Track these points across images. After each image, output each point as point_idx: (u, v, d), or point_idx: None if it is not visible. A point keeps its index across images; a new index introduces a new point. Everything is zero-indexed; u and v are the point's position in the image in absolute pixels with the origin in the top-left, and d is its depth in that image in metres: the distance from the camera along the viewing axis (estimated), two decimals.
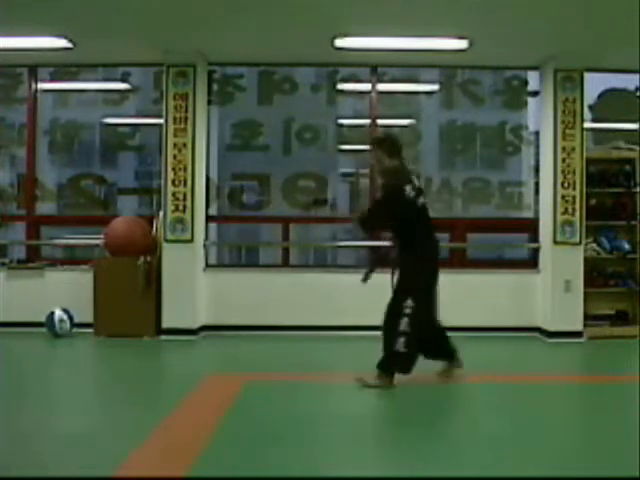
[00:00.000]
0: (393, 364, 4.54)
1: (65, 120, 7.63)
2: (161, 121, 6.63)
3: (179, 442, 3.47)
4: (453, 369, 4.82)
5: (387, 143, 4.75)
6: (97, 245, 6.93)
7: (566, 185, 6.53)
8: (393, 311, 4.55)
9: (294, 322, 6.60)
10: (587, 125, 6.81)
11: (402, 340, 4.47)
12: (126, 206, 8.19)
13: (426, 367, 4.74)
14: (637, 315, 6.66)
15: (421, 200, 4.65)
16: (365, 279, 4.73)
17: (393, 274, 4.68)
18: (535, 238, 6.98)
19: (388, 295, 6.61)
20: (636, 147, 6.79)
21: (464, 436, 3.61)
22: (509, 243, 8.26)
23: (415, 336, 4.51)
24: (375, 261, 4.76)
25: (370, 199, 7.10)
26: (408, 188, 4.55)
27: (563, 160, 6.53)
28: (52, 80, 7.40)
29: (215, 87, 7.18)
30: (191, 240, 6.56)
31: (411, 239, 4.64)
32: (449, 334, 4.84)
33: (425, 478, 2.98)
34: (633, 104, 7.30)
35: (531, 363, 5.74)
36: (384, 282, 6.66)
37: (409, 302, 4.50)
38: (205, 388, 4.63)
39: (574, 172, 6.52)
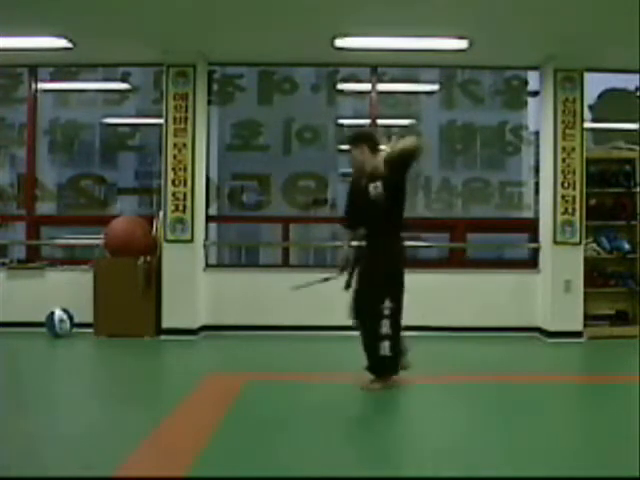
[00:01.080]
0: (384, 369, 4.51)
1: (65, 120, 7.63)
2: (161, 121, 6.63)
3: (179, 442, 3.47)
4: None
5: (373, 138, 4.70)
6: (97, 245, 6.94)
7: (566, 185, 6.53)
8: (373, 313, 4.44)
9: (294, 322, 6.60)
10: (587, 125, 6.81)
11: (387, 344, 4.42)
12: (126, 206, 8.18)
13: (419, 367, 4.75)
14: (637, 315, 6.66)
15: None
16: (348, 286, 4.63)
17: (352, 273, 4.62)
18: (535, 238, 6.98)
19: None
20: (636, 147, 6.79)
21: (464, 436, 3.61)
22: (509, 243, 8.25)
23: (398, 337, 4.48)
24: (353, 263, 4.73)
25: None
26: None
27: (563, 160, 6.53)
28: (52, 80, 7.40)
29: (215, 87, 7.18)
30: (191, 240, 6.56)
31: (392, 235, 4.59)
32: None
33: (425, 478, 2.98)
34: (633, 104, 7.30)
35: (531, 363, 5.74)
36: None
37: (387, 303, 4.42)
38: (205, 388, 4.63)
39: (574, 172, 6.52)
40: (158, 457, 3.27)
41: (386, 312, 4.41)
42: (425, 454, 3.35)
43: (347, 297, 6.57)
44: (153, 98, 7.13)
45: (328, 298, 6.63)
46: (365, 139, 4.66)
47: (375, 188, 4.47)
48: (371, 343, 4.47)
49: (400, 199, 4.55)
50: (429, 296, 6.69)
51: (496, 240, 7.90)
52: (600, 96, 7.72)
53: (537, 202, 7.06)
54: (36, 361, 5.52)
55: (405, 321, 6.55)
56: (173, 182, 6.52)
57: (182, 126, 6.52)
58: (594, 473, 3.03)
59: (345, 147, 8.35)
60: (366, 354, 4.53)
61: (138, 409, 4.11)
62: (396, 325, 4.45)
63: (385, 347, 4.42)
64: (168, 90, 6.56)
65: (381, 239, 4.55)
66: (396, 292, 4.47)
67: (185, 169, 6.51)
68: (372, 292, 4.47)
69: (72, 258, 8.03)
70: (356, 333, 6.40)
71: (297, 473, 3.03)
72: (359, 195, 4.60)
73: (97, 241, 6.85)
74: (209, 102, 6.94)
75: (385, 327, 4.41)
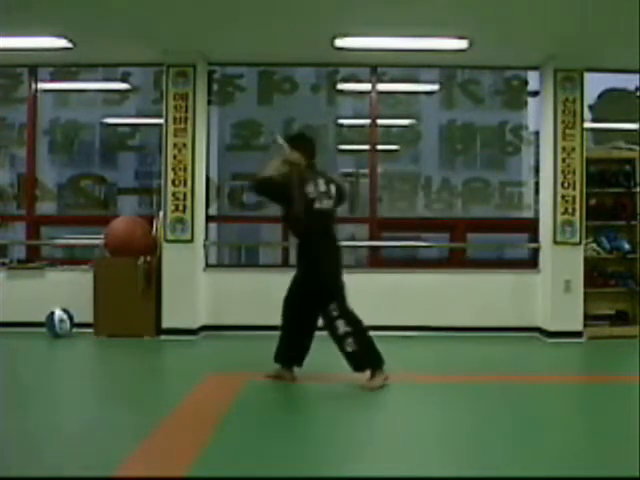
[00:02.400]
0: (360, 363, 4.55)
1: (65, 120, 7.63)
2: (161, 121, 6.63)
3: (179, 442, 3.47)
4: (287, 376, 4.77)
5: (304, 143, 4.78)
6: (97, 245, 6.94)
7: (566, 185, 6.53)
8: (325, 319, 4.59)
9: None
10: (587, 125, 6.81)
11: (349, 341, 4.50)
12: (126, 206, 8.18)
13: (420, 367, 4.74)
14: (637, 315, 6.66)
15: (320, 205, 4.62)
16: None
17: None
18: (535, 238, 6.98)
19: (387, 296, 6.65)
20: (636, 147, 6.79)
21: (464, 436, 3.61)
22: (509, 243, 8.25)
23: (358, 331, 4.54)
24: None
25: (371, 200, 7.13)
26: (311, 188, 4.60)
27: (563, 160, 6.53)
28: (52, 80, 7.40)
29: (215, 87, 7.18)
30: (191, 240, 6.56)
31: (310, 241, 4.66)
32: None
33: (426, 478, 2.98)
34: (633, 104, 7.30)
35: (531, 363, 5.74)
36: (384, 283, 6.70)
37: (333, 306, 4.54)
38: (205, 388, 4.62)
39: (574, 172, 6.52)
40: (158, 457, 3.27)
41: (334, 314, 4.53)
42: (425, 454, 3.35)
43: (348, 298, 6.62)
44: (153, 98, 7.13)
45: None
46: (311, 147, 4.79)
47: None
48: (336, 341, 4.57)
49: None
50: (429, 296, 6.70)
51: (496, 240, 7.90)
52: (600, 96, 7.72)
53: (537, 202, 7.06)
54: (36, 361, 5.52)
55: (405, 321, 6.62)
56: (173, 182, 6.52)
57: (182, 126, 6.52)
58: (594, 473, 3.02)
59: (344, 147, 8.42)
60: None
61: (138, 409, 4.11)
62: (351, 320, 4.54)
63: (349, 344, 4.51)
64: (168, 90, 6.56)
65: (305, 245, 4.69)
66: (338, 293, 4.60)
67: (185, 169, 6.51)
68: (315, 295, 4.63)
69: (72, 258, 8.03)
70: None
71: (297, 473, 3.03)
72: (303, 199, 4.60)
73: (97, 241, 6.85)
74: (209, 102, 6.94)
75: (341, 327, 4.52)
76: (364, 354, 4.54)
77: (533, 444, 3.42)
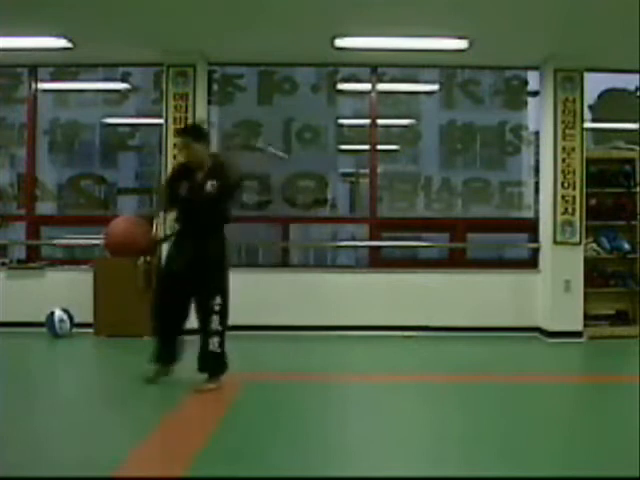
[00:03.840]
0: (215, 366, 4.51)
1: (65, 120, 7.64)
2: (161, 121, 6.63)
3: (179, 442, 3.47)
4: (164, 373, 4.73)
5: (205, 134, 4.78)
6: (97, 245, 6.93)
7: (566, 185, 6.53)
8: (203, 309, 4.53)
9: (294, 322, 6.59)
10: (587, 125, 6.82)
11: (216, 340, 4.47)
12: (126, 206, 8.17)
13: (419, 367, 4.74)
14: (637, 315, 6.66)
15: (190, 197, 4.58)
16: None
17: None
18: (535, 238, 6.98)
19: (389, 296, 6.65)
20: (636, 147, 6.79)
21: (464, 437, 3.61)
22: (509, 243, 8.25)
23: (225, 334, 4.53)
24: None
25: (371, 200, 7.13)
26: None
27: (563, 160, 6.54)
28: (52, 80, 7.40)
29: (215, 87, 7.19)
30: None
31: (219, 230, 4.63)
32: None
33: (428, 478, 2.98)
34: (633, 104, 7.30)
35: (531, 363, 5.74)
36: (384, 283, 6.70)
37: (218, 299, 4.48)
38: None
39: (574, 172, 6.52)
40: (158, 457, 3.27)
41: (216, 308, 4.47)
42: (425, 454, 3.36)
43: (347, 297, 6.63)
44: (153, 98, 7.15)
45: (328, 298, 6.68)
46: (207, 137, 4.79)
47: (212, 186, 4.52)
48: (201, 339, 4.51)
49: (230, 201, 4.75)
50: (429, 296, 6.70)
51: (496, 240, 7.90)
52: (600, 96, 7.72)
53: (537, 202, 7.06)
54: (36, 361, 5.52)
55: (405, 321, 6.62)
56: None
57: (182, 126, 6.52)
58: (594, 473, 3.03)
59: (344, 147, 8.41)
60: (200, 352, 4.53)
61: (138, 409, 4.11)
62: (225, 322, 4.52)
63: (214, 343, 4.47)
64: (168, 90, 6.56)
65: (209, 234, 4.60)
66: (225, 289, 4.55)
67: None
68: (203, 287, 4.50)
69: (72, 258, 8.02)
70: (355, 333, 6.46)
71: (297, 473, 3.03)
72: (194, 187, 4.55)
73: (97, 241, 6.85)
74: (209, 102, 6.94)
75: (215, 323, 4.46)
76: (221, 359, 4.52)
77: (533, 444, 3.42)
